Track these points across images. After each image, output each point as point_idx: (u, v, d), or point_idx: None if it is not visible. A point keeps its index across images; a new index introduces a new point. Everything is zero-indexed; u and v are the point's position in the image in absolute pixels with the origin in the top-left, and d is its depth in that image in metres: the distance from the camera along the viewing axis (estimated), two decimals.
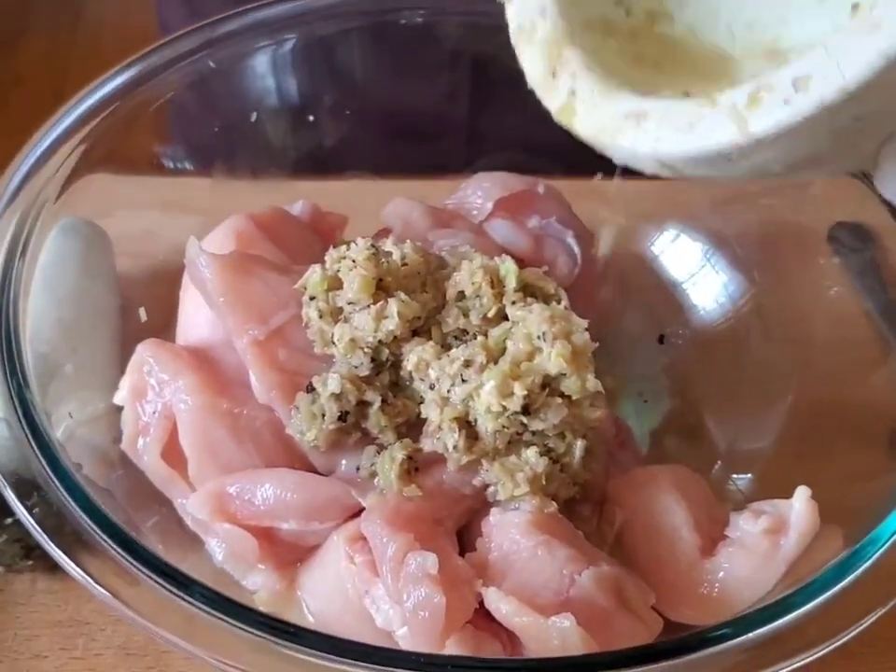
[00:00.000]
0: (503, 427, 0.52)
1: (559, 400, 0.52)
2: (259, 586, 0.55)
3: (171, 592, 0.46)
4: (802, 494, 0.54)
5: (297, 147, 0.73)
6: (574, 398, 0.52)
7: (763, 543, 0.53)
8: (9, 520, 0.58)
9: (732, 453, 0.63)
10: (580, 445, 0.54)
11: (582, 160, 0.73)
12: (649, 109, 0.42)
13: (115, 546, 0.47)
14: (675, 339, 0.69)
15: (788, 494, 0.54)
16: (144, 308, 0.64)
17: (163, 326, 0.62)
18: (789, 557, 0.52)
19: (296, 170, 0.73)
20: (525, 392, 0.51)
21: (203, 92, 0.68)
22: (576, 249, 0.68)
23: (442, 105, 0.83)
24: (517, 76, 0.76)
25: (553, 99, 0.47)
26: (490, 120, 0.83)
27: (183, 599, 0.45)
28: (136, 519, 0.54)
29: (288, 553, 0.54)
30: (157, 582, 0.46)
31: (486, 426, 0.52)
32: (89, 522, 0.48)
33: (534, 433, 0.53)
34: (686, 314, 0.70)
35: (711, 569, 0.53)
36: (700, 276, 0.71)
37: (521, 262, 0.66)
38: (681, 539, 0.54)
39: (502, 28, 0.66)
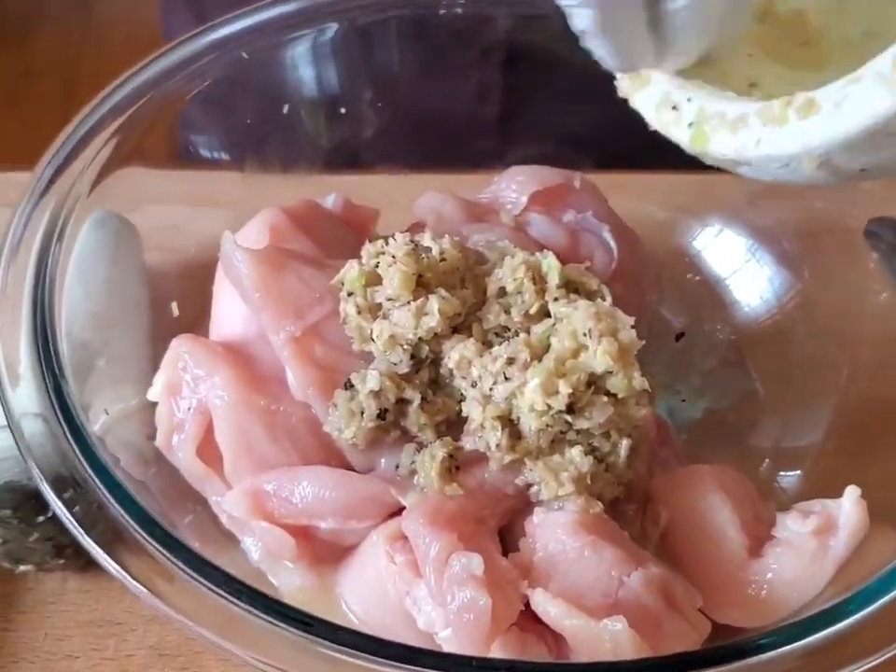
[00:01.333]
0: (547, 425, 0.51)
1: (605, 399, 0.51)
2: (296, 586, 0.53)
3: (210, 589, 0.45)
4: (851, 493, 0.52)
5: (328, 139, 0.72)
6: (620, 396, 0.51)
7: (811, 544, 0.52)
8: (41, 518, 0.57)
9: (778, 451, 0.61)
10: (625, 444, 0.52)
11: (618, 153, 0.74)
12: (781, 107, 0.41)
13: (153, 542, 0.46)
14: (716, 336, 0.68)
15: (836, 493, 0.53)
16: (176, 302, 0.63)
17: (195, 320, 0.61)
18: (838, 558, 0.51)
19: (327, 163, 0.72)
20: (570, 390, 0.50)
21: (235, 84, 0.66)
22: (612, 244, 0.66)
23: (476, 99, 0.82)
24: (553, 67, 0.77)
25: (680, 133, 0.46)
26: (524, 114, 0.82)
27: (222, 597, 0.44)
28: (172, 516, 0.53)
29: (326, 552, 0.53)
30: (195, 579, 0.45)
31: (530, 424, 0.51)
32: (127, 517, 0.47)
33: (578, 432, 0.52)
34: (728, 310, 0.69)
35: (758, 570, 0.52)
36: (744, 272, 0.69)
37: (557, 258, 0.65)
38: (728, 539, 0.53)
39: (542, 18, 0.65)
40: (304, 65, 0.68)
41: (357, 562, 0.53)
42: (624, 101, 0.59)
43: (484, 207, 0.68)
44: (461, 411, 0.53)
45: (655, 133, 0.72)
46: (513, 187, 0.68)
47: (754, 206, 0.73)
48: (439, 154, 0.75)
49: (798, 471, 0.60)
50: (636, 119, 0.71)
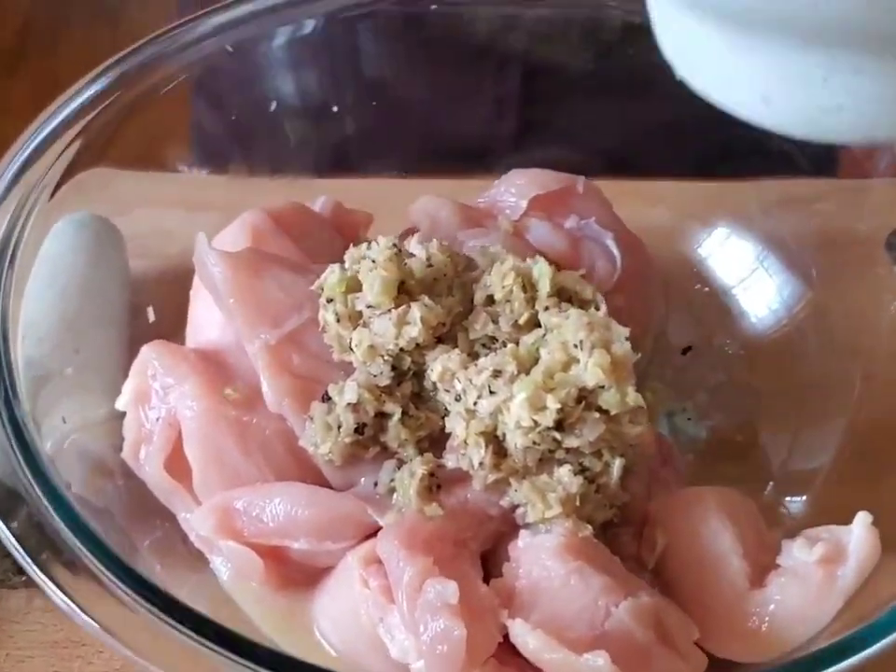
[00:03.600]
0: (534, 443, 0.47)
1: (596, 415, 0.48)
2: (267, 610, 0.50)
3: (168, 623, 0.41)
4: (862, 520, 0.49)
5: (320, 140, 0.69)
6: (612, 412, 0.48)
7: (818, 573, 0.48)
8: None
9: (785, 473, 0.58)
10: (618, 464, 0.49)
11: (626, 159, 0.71)
12: None
13: (106, 570, 0.43)
14: (724, 350, 0.64)
15: (846, 520, 0.50)
16: (152, 308, 0.60)
17: (174, 327, 0.59)
18: (847, 590, 0.48)
19: (318, 166, 0.70)
20: (559, 406, 0.47)
21: (219, 79, 0.64)
22: (616, 252, 0.63)
23: (477, 101, 0.79)
24: (557, 72, 0.74)
25: None
26: (528, 116, 0.79)
27: (181, 632, 0.41)
28: (136, 535, 0.50)
29: (299, 575, 0.50)
30: (153, 613, 0.42)
31: (516, 441, 0.47)
32: (77, 542, 0.44)
33: (568, 450, 0.48)
34: (736, 322, 0.65)
35: (761, 601, 0.48)
36: (752, 281, 0.66)
37: (557, 265, 0.62)
38: (729, 567, 0.49)
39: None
40: (293, 59, 0.65)
41: (332, 585, 0.50)
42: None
43: (482, 212, 0.65)
44: (445, 426, 0.50)
45: (668, 139, 0.70)
46: (512, 191, 0.65)
47: (766, 215, 0.69)
48: (438, 157, 0.73)
49: (805, 496, 0.56)
50: (652, 127, 0.70)
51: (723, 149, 0.69)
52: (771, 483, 0.57)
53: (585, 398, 0.48)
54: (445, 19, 0.67)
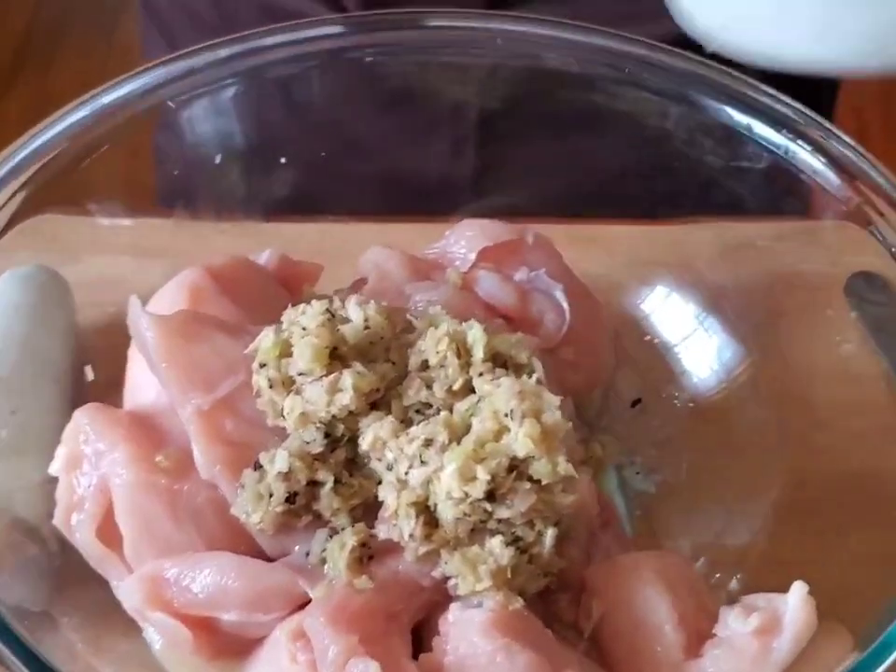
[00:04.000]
0: (465, 514, 0.47)
1: (527, 485, 0.47)
2: None
3: None
4: (798, 589, 0.48)
5: (269, 190, 0.68)
6: (544, 482, 0.47)
7: (753, 645, 0.48)
8: None
9: (722, 539, 0.57)
10: (550, 534, 0.48)
11: (578, 202, 0.70)
12: None
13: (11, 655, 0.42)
14: (673, 403, 0.64)
15: (787, 583, 0.49)
16: (91, 365, 0.59)
17: (115, 385, 0.58)
18: (782, 662, 0.47)
19: (269, 212, 0.69)
20: (490, 476, 0.46)
21: (162, 132, 0.63)
22: (564, 305, 0.62)
23: (428, 150, 0.78)
24: (509, 115, 0.73)
25: None
26: (483, 158, 0.79)
27: None
28: (63, 604, 0.49)
29: (231, 645, 0.50)
30: None
31: (447, 512, 0.47)
32: None
33: (500, 521, 0.48)
34: (680, 379, 0.65)
35: None
36: (692, 340, 0.65)
37: (506, 318, 0.62)
38: (664, 638, 0.49)
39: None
40: (237, 113, 0.65)
41: (262, 658, 0.49)
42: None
43: (431, 263, 0.64)
44: (379, 495, 0.50)
45: (624, 184, 0.69)
46: (462, 242, 0.64)
47: (721, 259, 0.69)
48: (391, 203, 0.72)
49: (741, 561, 0.56)
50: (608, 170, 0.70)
51: (671, 192, 0.69)
52: (703, 558, 0.56)
53: (517, 467, 0.47)
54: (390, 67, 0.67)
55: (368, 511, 0.50)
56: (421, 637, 0.49)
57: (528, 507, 0.47)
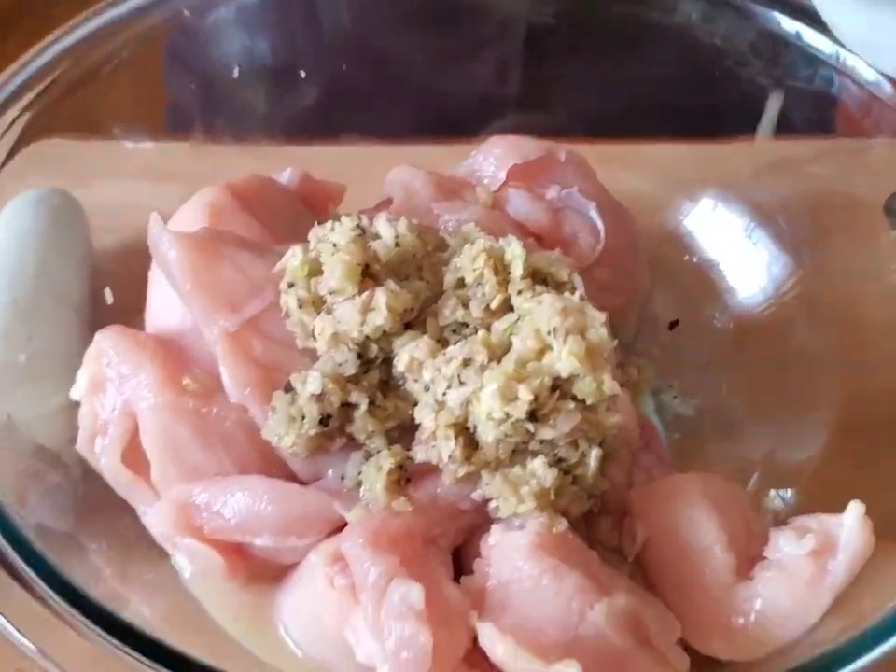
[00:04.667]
0: (506, 435, 0.45)
1: (571, 405, 0.45)
2: (230, 607, 0.48)
3: (107, 641, 0.39)
4: (854, 510, 0.46)
5: (288, 106, 0.65)
6: (588, 402, 0.45)
7: (807, 568, 0.46)
8: None
9: (774, 456, 0.55)
10: (595, 454, 0.46)
11: (614, 121, 0.67)
12: None
13: (40, 582, 0.41)
14: (713, 324, 0.62)
15: (838, 505, 0.47)
16: (110, 289, 0.57)
17: (134, 309, 0.56)
18: (837, 586, 0.45)
19: (288, 133, 0.66)
20: (532, 396, 0.44)
21: (178, 44, 0.60)
22: (599, 224, 0.60)
23: (470, 70, 0.75)
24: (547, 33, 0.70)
25: None
26: (511, 76, 0.75)
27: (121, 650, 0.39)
28: (88, 533, 0.48)
29: (263, 570, 0.48)
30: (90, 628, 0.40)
31: (487, 434, 0.45)
32: (11, 551, 0.42)
33: (542, 442, 0.46)
34: (723, 298, 0.62)
35: (747, 596, 0.46)
36: (739, 255, 0.63)
37: (537, 238, 0.59)
38: (713, 560, 0.47)
39: None
40: (257, 22, 0.61)
41: (296, 583, 0.48)
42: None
43: (460, 182, 0.62)
44: (415, 416, 0.48)
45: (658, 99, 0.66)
46: (491, 160, 0.62)
47: (757, 179, 0.67)
48: (415, 122, 0.69)
49: (796, 482, 0.54)
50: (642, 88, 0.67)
51: (714, 109, 0.66)
52: (757, 470, 0.54)
53: (560, 387, 0.45)
54: None
55: (403, 432, 0.48)
56: (461, 561, 0.48)
57: (572, 427, 0.45)
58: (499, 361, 0.46)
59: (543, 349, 0.45)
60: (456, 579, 0.46)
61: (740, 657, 0.46)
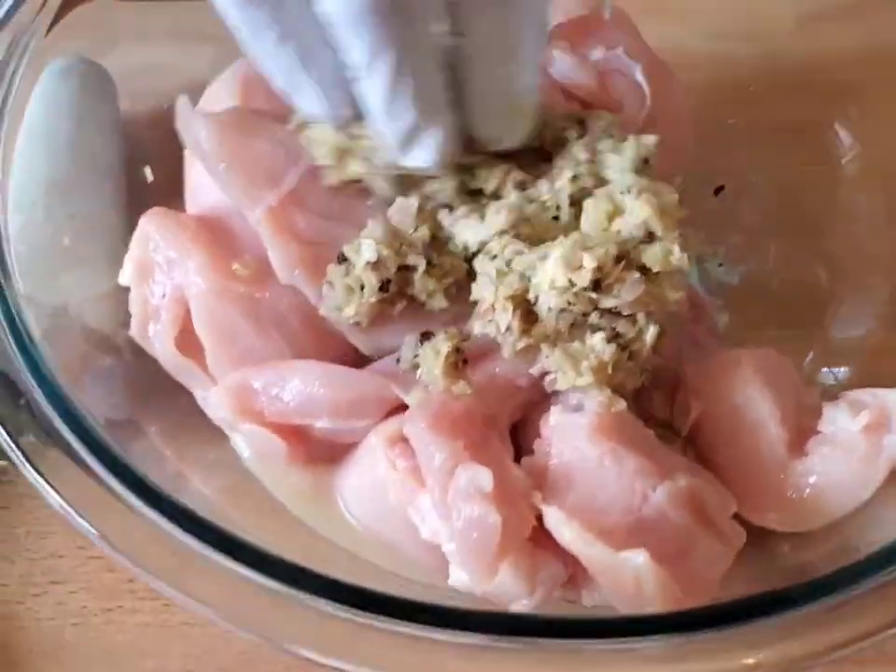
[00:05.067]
0: (569, 303, 0.45)
1: (636, 275, 0.45)
2: (291, 487, 0.49)
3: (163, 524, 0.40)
4: None
5: None
6: (655, 270, 0.45)
7: (862, 443, 0.46)
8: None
9: (826, 328, 0.55)
10: (652, 331, 0.46)
11: None
12: None
13: (97, 460, 0.41)
14: (759, 189, 0.60)
15: (892, 381, 0.47)
16: (150, 167, 0.56)
17: (174, 186, 0.54)
18: (892, 460, 0.46)
19: None
20: (597, 264, 0.44)
21: None
22: (645, 87, 0.58)
23: None
24: None
25: None
26: None
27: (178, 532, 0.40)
28: (145, 414, 0.48)
29: (323, 452, 0.48)
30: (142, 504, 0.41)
31: (548, 303, 0.45)
32: (68, 430, 0.42)
33: (602, 315, 0.46)
34: (770, 160, 0.61)
35: (802, 471, 0.47)
36: (786, 113, 0.61)
37: (583, 103, 0.57)
38: (768, 435, 0.47)
39: None
40: None
41: (357, 463, 0.48)
42: None
43: None
44: (470, 269, 0.47)
45: None
46: None
47: (804, 30, 0.64)
48: None
49: (852, 356, 0.54)
50: None
51: None
52: (811, 353, 0.54)
53: (625, 256, 0.45)
54: None
55: (459, 289, 0.48)
56: (518, 439, 0.48)
57: (635, 298, 0.45)
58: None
59: (614, 213, 0.45)
60: (515, 458, 0.46)
61: (795, 528, 0.47)
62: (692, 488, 0.44)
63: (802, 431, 0.48)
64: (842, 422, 0.47)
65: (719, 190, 0.61)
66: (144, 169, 0.56)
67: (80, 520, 0.41)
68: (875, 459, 0.46)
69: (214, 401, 0.48)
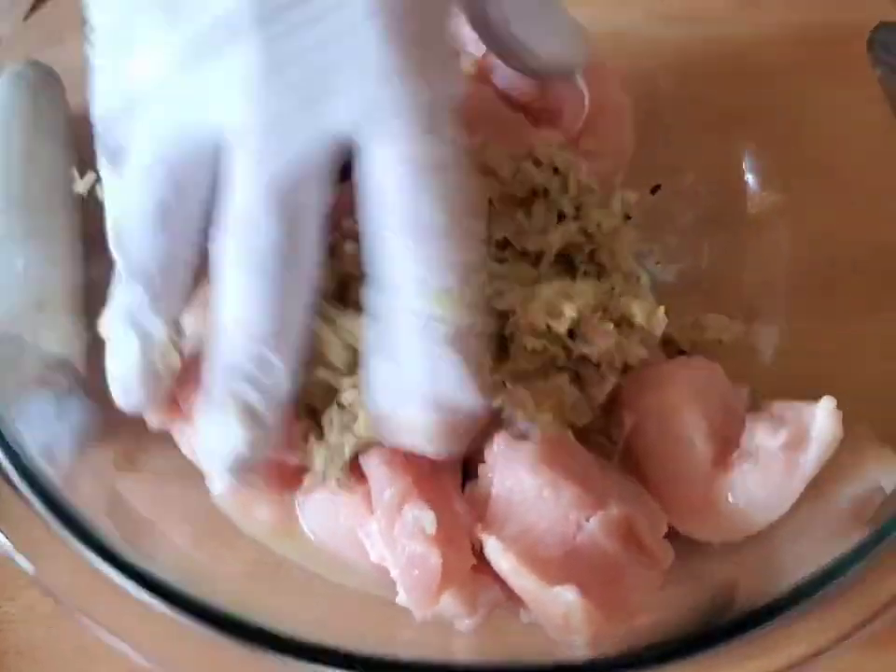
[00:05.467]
0: (545, 347, 0.48)
1: (610, 326, 0.49)
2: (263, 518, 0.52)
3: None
4: (825, 406, 0.49)
5: None
6: (636, 320, 0.50)
7: (780, 461, 0.49)
8: None
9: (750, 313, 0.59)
10: (612, 381, 0.50)
11: None
12: None
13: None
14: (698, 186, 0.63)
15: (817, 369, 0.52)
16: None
17: None
18: (808, 476, 0.49)
19: None
20: (576, 315, 0.48)
21: None
22: (584, 90, 0.59)
23: None
24: None
25: None
26: None
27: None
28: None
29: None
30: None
31: (524, 344, 0.48)
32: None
33: (569, 358, 0.49)
34: (707, 156, 0.63)
35: (725, 486, 0.50)
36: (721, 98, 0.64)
37: (524, 109, 0.59)
38: (693, 451, 0.50)
39: None
40: None
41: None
42: None
43: None
44: None
45: None
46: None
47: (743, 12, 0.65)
48: None
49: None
50: None
51: None
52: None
53: (604, 308, 0.49)
54: None
55: None
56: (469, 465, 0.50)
57: (607, 348, 0.48)
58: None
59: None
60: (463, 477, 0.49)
61: (719, 539, 0.50)
62: (624, 516, 0.47)
63: (727, 443, 0.51)
64: (761, 438, 0.50)
65: (655, 189, 0.62)
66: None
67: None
68: (792, 476, 0.49)
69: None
